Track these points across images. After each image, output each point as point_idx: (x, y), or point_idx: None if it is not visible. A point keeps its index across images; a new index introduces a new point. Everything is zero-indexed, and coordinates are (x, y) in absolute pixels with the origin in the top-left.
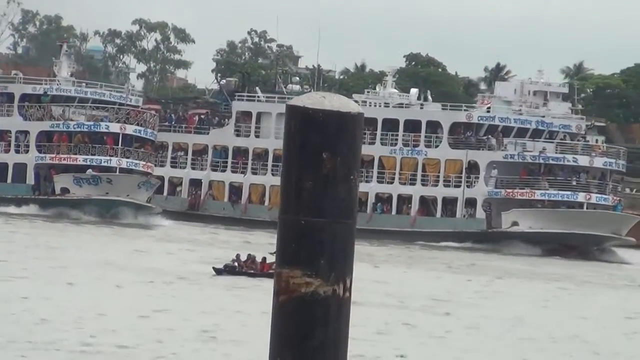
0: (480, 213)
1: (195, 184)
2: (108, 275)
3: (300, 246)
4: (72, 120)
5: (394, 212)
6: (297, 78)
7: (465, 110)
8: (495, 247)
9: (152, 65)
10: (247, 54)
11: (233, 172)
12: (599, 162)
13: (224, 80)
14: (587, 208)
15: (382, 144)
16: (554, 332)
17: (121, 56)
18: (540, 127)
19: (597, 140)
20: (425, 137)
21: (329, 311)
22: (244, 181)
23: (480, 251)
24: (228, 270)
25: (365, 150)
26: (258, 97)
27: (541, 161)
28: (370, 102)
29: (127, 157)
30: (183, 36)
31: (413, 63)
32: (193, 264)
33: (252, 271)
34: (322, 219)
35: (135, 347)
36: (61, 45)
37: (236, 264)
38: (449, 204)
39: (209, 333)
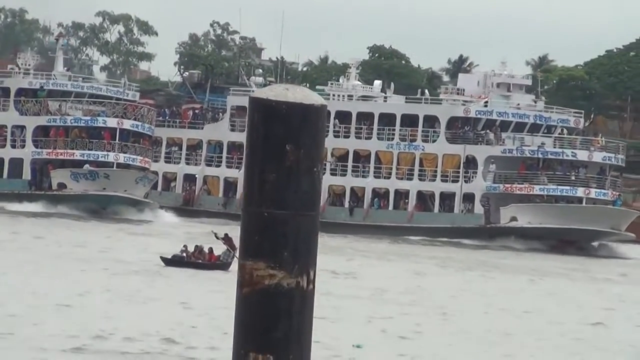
0: (478, 208)
1: (190, 179)
2: (75, 266)
3: (263, 238)
4: (68, 115)
5: (391, 207)
6: (261, 70)
7: (463, 104)
8: (494, 242)
9: (115, 57)
10: (210, 46)
11: (228, 167)
12: (598, 156)
13: (187, 73)
14: (586, 203)
15: (378, 138)
16: (516, 322)
17: (84, 48)
18: (538, 122)
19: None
20: (423, 131)
21: (292, 303)
22: (239, 176)
23: (478, 247)
24: (176, 260)
25: (362, 145)
26: (253, 91)
27: (540, 156)
28: (335, 94)
29: (125, 152)
30: (146, 28)
31: (376, 55)
32: (155, 256)
33: (200, 261)
34: (285, 211)
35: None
36: (57, 40)
37: (184, 254)
38: (447, 199)
39: (171, 324)
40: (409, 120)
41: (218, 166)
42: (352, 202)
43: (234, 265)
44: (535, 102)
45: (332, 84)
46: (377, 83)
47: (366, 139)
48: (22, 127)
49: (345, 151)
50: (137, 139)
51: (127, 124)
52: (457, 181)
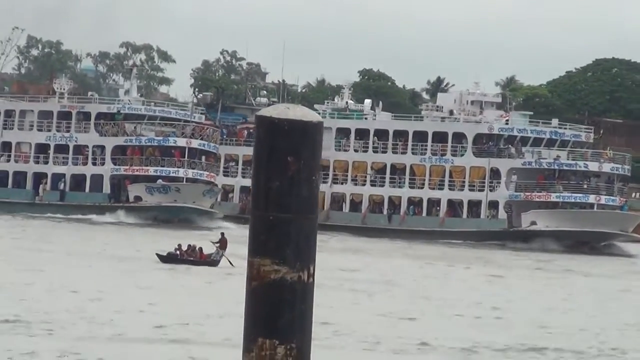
0: (502, 214)
1: (246, 190)
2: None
3: (269, 238)
4: (143, 135)
5: (424, 214)
6: (265, 92)
7: (486, 122)
8: (517, 244)
9: (138, 82)
10: (220, 71)
11: None
12: (607, 167)
13: (201, 95)
14: (597, 208)
15: (413, 153)
16: (475, 307)
17: (111, 74)
18: (553, 137)
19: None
20: (452, 147)
21: (295, 295)
22: None
23: (498, 247)
24: (171, 258)
25: (398, 159)
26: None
27: (556, 167)
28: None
29: (193, 168)
30: (165, 56)
31: (366, 77)
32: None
33: (191, 259)
34: (288, 215)
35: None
36: (131, 69)
37: (178, 252)
38: (474, 206)
39: (181, 315)
40: (440, 137)
41: None
42: (390, 210)
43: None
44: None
45: (328, 102)
46: (367, 102)
47: (402, 153)
48: (102, 147)
49: (383, 165)
50: (203, 156)
51: (195, 143)
52: (483, 190)
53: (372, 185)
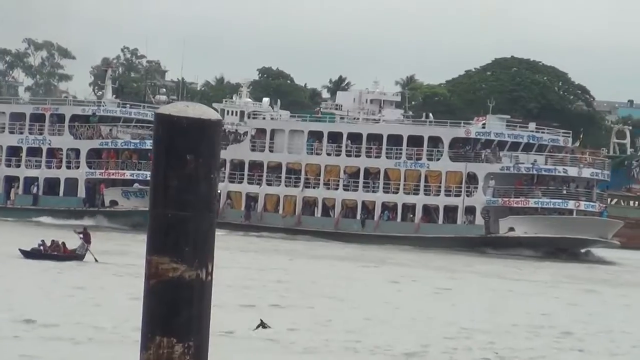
0: (479, 220)
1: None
2: None
3: (167, 236)
4: (118, 138)
5: (399, 219)
6: (164, 89)
7: (463, 126)
8: (494, 250)
9: (38, 79)
10: (120, 68)
11: (249, 183)
12: (586, 172)
13: (100, 92)
14: (576, 214)
15: (387, 157)
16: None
17: (10, 71)
18: (531, 141)
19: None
20: (427, 151)
21: (193, 293)
22: (260, 192)
23: (472, 254)
24: (34, 253)
25: (372, 163)
26: (271, 115)
27: (534, 172)
28: (229, 110)
29: None
30: (65, 53)
31: (265, 75)
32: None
33: (55, 254)
34: (186, 213)
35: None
36: (106, 70)
37: (42, 248)
38: (451, 211)
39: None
40: (415, 141)
41: (240, 182)
42: (363, 215)
43: (88, 256)
44: (404, 116)
45: (226, 101)
46: (265, 100)
47: (376, 157)
48: (77, 150)
49: (356, 169)
50: None
51: None
52: (460, 195)
53: (345, 189)
